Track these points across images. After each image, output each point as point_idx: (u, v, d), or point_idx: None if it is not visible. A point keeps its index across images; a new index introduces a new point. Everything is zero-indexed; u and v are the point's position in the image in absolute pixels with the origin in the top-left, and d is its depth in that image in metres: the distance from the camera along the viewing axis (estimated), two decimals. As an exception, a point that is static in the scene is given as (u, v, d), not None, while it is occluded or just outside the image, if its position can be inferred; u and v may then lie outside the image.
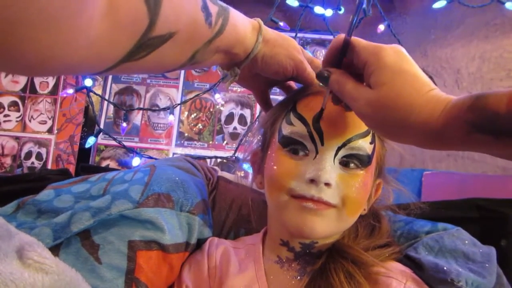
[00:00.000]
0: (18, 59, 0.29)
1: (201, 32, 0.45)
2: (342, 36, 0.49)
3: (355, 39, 0.48)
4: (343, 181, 0.56)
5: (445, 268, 0.56)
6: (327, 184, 0.54)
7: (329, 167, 0.55)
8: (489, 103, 0.37)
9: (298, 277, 0.60)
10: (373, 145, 0.59)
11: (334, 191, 0.55)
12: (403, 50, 0.47)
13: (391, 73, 0.44)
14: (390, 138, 0.49)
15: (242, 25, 0.53)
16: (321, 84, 0.62)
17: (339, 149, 0.56)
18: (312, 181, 0.55)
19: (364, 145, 0.57)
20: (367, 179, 0.58)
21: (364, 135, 0.57)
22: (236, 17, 0.51)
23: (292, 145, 0.58)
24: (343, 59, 0.50)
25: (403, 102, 0.43)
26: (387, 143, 0.65)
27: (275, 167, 0.59)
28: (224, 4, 0.49)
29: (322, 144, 0.56)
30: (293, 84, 0.67)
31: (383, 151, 0.64)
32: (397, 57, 0.45)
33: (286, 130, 0.59)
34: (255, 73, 0.61)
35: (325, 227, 0.56)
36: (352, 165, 0.57)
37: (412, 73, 0.45)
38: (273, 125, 0.63)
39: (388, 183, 0.67)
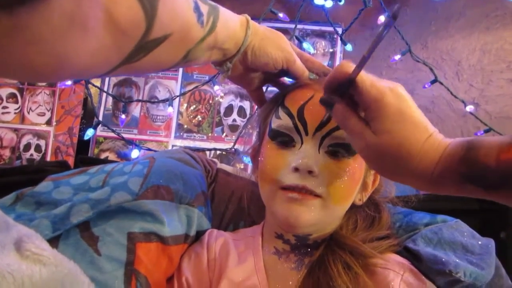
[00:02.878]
0: (31, 70, 0.32)
1: (194, 32, 0.47)
2: (347, 67, 0.47)
3: (360, 78, 0.46)
4: (328, 169, 0.56)
5: (443, 259, 0.56)
6: (310, 172, 0.55)
7: (312, 155, 0.56)
8: (480, 156, 0.40)
9: (297, 268, 0.60)
10: None
11: (318, 180, 0.56)
12: (404, 93, 0.47)
13: (393, 122, 0.45)
14: (388, 178, 0.51)
15: (232, 21, 0.54)
16: (311, 77, 0.63)
17: (323, 138, 0.57)
18: (297, 169, 0.56)
19: None
20: (355, 168, 0.58)
21: None
22: (226, 14, 0.53)
23: (280, 138, 0.60)
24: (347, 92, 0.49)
25: (404, 151, 0.45)
26: None
27: (265, 160, 0.60)
28: (213, 3, 0.51)
29: (307, 134, 0.57)
30: (285, 80, 0.68)
31: None
32: (398, 103, 0.46)
33: (274, 124, 0.61)
34: (247, 69, 0.61)
35: (310, 217, 0.56)
36: (338, 154, 0.57)
37: (412, 120, 0.46)
38: (265, 120, 0.65)
39: None
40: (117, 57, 0.39)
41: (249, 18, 0.58)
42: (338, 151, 0.57)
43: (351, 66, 0.46)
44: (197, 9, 0.46)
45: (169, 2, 0.41)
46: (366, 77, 0.46)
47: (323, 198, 0.56)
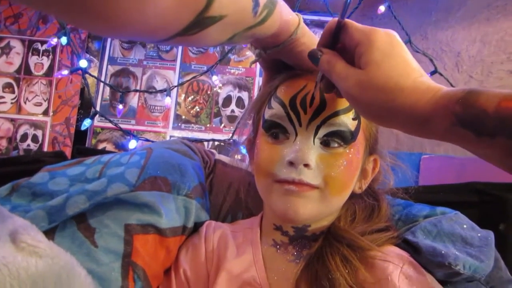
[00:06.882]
0: (105, 20, 0.35)
1: (246, 19, 0.48)
2: (335, 19, 0.49)
3: (349, 21, 0.48)
4: (324, 161, 0.56)
5: (442, 252, 0.56)
6: (306, 165, 0.54)
7: (307, 148, 0.55)
8: (479, 100, 0.38)
9: (295, 261, 0.60)
10: (356, 121, 0.58)
11: (315, 172, 0.55)
12: (397, 35, 0.47)
13: (382, 55, 0.44)
14: (376, 121, 0.50)
15: (282, 20, 0.54)
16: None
17: (318, 127, 0.56)
18: (292, 163, 0.55)
19: (346, 120, 0.56)
20: (352, 157, 0.57)
21: (345, 111, 0.57)
22: (281, 11, 0.53)
23: (273, 129, 0.59)
24: (338, 42, 0.51)
25: (392, 83, 0.43)
26: None
27: (259, 154, 0.60)
28: None
29: (300, 125, 0.57)
30: None
31: (373, 126, 0.62)
32: (389, 40, 0.46)
33: (267, 114, 0.60)
34: (277, 55, 0.61)
35: (309, 209, 0.56)
36: (334, 144, 0.57)
37: (403, 57, 0.45)
38: (258, 112, 0.64)
39: (384, 158, 0.66)
40: (176, 26, 0.41)
41: (301, 20, 0.58)
42: (334, 140, 0.57)
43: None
44: None
45: None
46: (355, 22, 0.48)
47: (321, 189, 0.56)
